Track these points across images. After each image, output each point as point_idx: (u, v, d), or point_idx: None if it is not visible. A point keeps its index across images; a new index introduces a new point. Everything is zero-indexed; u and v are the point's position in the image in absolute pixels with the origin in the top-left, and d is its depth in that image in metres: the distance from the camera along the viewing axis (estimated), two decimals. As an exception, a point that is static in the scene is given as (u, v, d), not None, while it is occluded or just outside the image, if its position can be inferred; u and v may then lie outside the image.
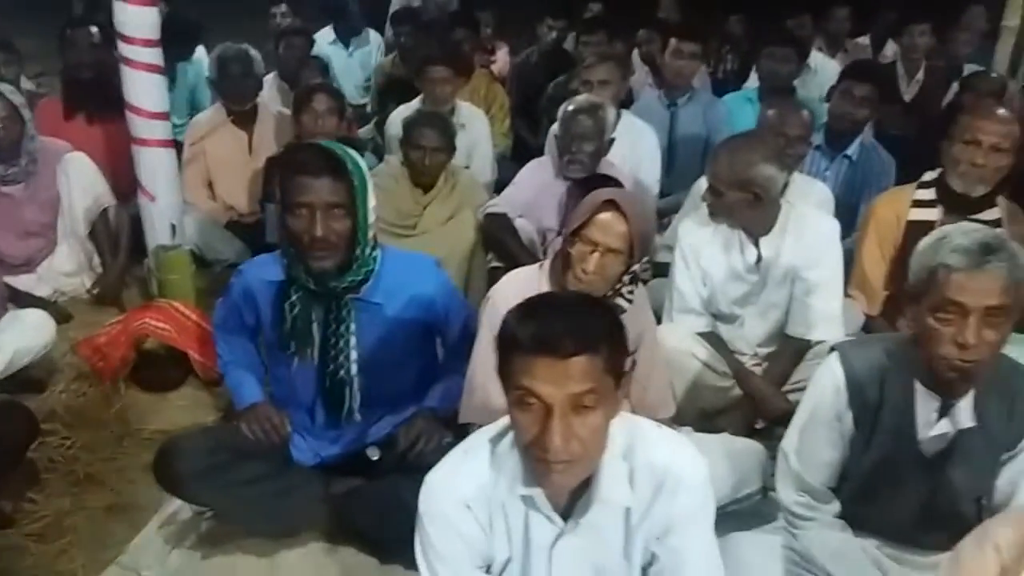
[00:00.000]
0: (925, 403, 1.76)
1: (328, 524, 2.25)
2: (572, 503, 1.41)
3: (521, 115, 5.25)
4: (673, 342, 2.58)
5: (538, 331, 1.25)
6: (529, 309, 1.31)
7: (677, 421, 2.58)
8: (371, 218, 2.06)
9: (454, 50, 4.94)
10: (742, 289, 2.76)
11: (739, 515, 2.17)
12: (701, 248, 2.74)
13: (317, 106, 3.59)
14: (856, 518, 1.88)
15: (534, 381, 1.25)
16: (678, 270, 2.81)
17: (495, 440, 1.43)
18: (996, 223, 2.86)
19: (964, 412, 1.73)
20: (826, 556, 1.82)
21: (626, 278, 2.17)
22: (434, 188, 3.38)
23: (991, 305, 1.59)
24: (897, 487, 1.82)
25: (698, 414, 2.67)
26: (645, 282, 3.28)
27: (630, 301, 2.20)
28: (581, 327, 1.25)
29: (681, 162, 4.22)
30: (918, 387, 1.76)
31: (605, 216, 2.07)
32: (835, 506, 1.88)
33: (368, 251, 2.09)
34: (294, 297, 2.12)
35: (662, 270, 3.26)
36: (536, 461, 1.30)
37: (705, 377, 2.63)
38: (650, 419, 2.19)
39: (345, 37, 5.96)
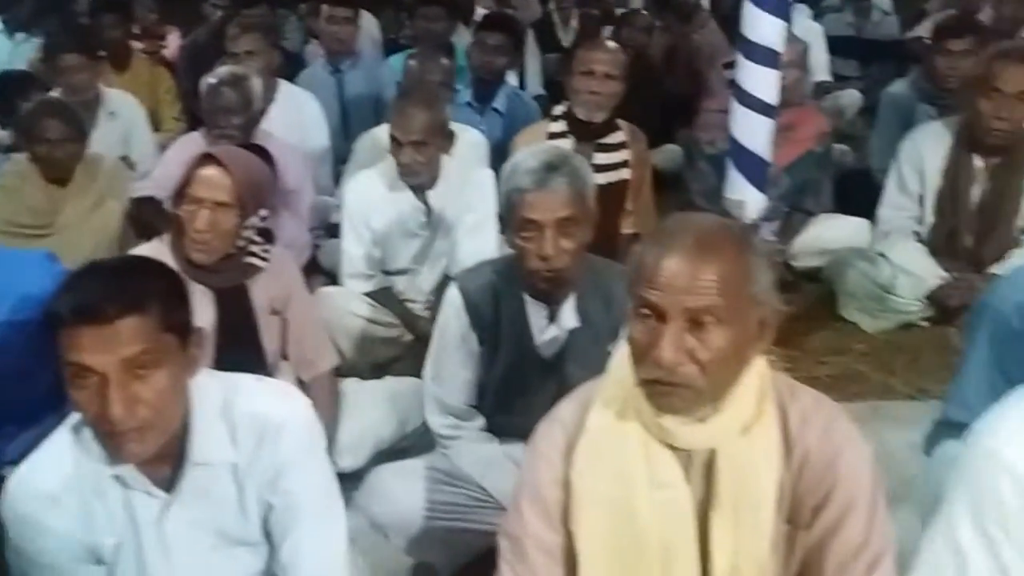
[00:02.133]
0: (535, 312, 1.90)
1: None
2: (176, 473, 1.38)
3: (196, 96, 5.02)
4: (333, 305, 2.62)
5: (76, 300, 1.19)
6: (70, 281, 1.25)
7: (353, 375, 2.61)
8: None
9: (97, 37, 4.61)
10: (416, 245, 2.84)
11: (411, 450, 2.26)
12: (369, 209, 2.78)
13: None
14: (499, 427, 2.00)
15: (82, 354, 1.19)
16: (345, 233, 2.84)
17: (77, 426, 1.36)
18: (622, 145, 3.15)
19: (568, 315, 1.89)
20: (474, 468, 1.92)
21: (253, 235, 2.13)
22: (71, 182, 3.14)
23: (561, 217, 1.74)
24: (527, 392, 1.95)
25: (373, 366, 2.72)
26: (318, 247, 3.29)
27: (266, 259, 2.17)
28: (121, 288, 1.21)
29: (355, 125, 4.23)
30: (527, 299, 1.90)
31: (206, 171, 2.04)
32: (479, 422, 1.99)
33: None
34: None
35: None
36: (107, 437, 1.24)
37: (372, 331, 2.69)
38: (313, 373, 2.28)
39: (12, 28, 5.42)
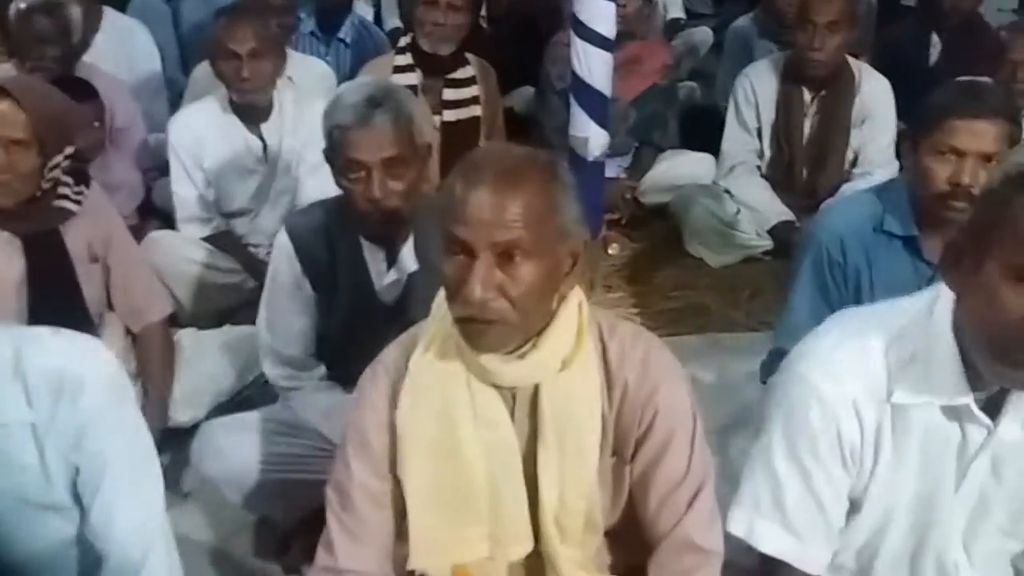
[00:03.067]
0: (373, 256, 1.84)
1: None
2: None
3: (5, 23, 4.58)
4: (165, 251, 2.48)
5: None
6: None
7: (193, 324, 2.49)
8: None
9: None
10: (253, 184, 2.71)
11: (254, 400, 2.18)
12: (199, 146, 2.62)
13: None
14: (342, 376, 1.94)
15: None
16: (174, 174, 2.68)
17: None
18: (471, 80, 3.09)
19: (407, 258, 1.83)
20: (316, 417, 1.86)
21: (61, 175, 1.96)
22: None
23: (387, 157, 1.67)
24: (370, 339, 1.88)
25: (215, 315, 2.60)
26: (152, 188, 3.09)
27: (79, 202, 2.00)
28: None
29: (195, 57, 3.97)
30: (364, 242, 1.83)
31: None
32: (319, 370, 1.93)
33: None
34: None
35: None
36: None
37: (210, 278, 2.58)
38: (143, 323, 2.15)
39: None
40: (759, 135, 3.24)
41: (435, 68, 2.98)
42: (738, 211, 3.20)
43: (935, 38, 3.88)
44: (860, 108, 3.15)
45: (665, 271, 3.18)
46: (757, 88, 3.18)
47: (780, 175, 3.22)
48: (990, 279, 1.10)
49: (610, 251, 3.20)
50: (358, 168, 1.68)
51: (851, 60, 3.14)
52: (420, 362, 1.28)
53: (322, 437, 1.80)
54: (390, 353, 1.35)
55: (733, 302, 3.02)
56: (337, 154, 1.71)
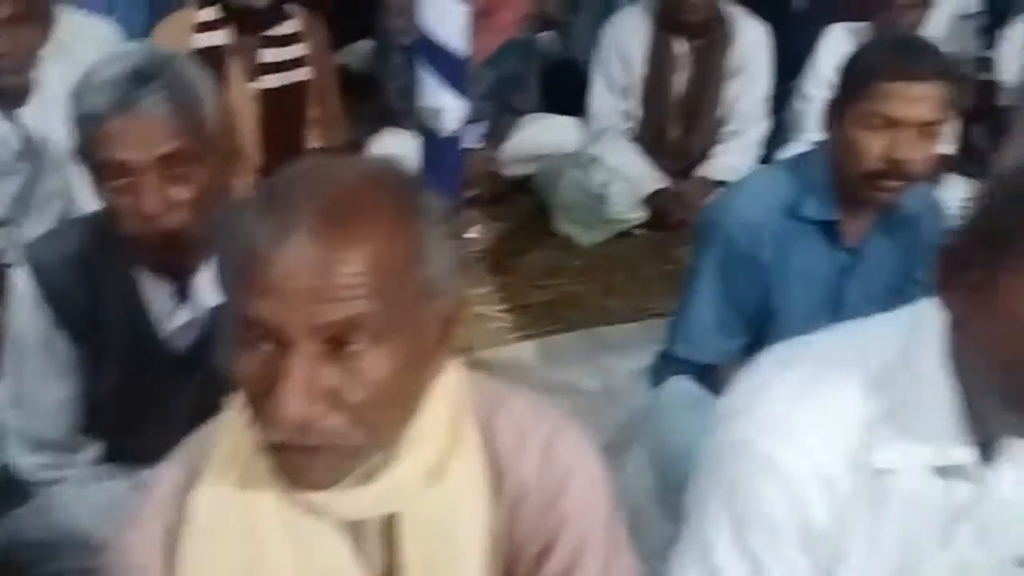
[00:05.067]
0: (155, 290, 1.35)
1: None
2: None
3: None
4: None
5: None
6: None
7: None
8: None
9: None
10: (12, 186, 2.14)
11: None
12: None
13: None
14: (124, 453, 1.44)
15: None
16: None
17: None
18: (295, 37, 2.60)
19: (204, 288, 1.35)
20: (88, 521, 1.36)
21: None
22: None
23: (163, 154, 1.18)
24: (158, 401, 1.41)
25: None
26: None
27: None
28: None
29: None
30: (141, 273, 1.33)
31: None
32: (89, 452, 1.42)
33: None
34: None
35: None
36: None
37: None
38: None
39: None
40: (628, 94, 2.89)
41: (249, 23, 2.48)
42: (610, 181, 2.86)
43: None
44: (735, 59, 2.86)
45: (531, 256, 2.81)
46: (624, 40, 2.83)
47: (650, 137, 2.91)
48: (1011, 298, 0.84)
49: (470, 235, 2.79)
50: (122, 172, 1.19)
51: (726, 5, 2.84)
52: (210, 501, 0.84)
53: (93, 552, 1.31)
54: (162, 483, 0.89)
55: (608, 287, 2.70)
56: (91, 154, 1.21)
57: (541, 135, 3.02)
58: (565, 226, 2.89)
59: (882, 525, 0.99)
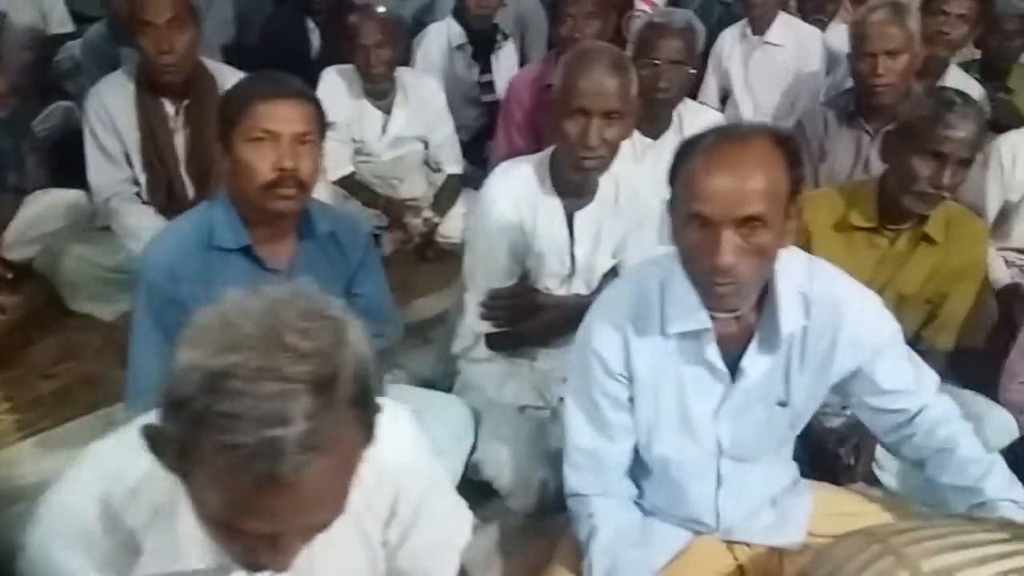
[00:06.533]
0: None
1: None
2: None
3: None
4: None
5: None
6: None
7: None
8: None
9: None
10: None
11: None
12: None
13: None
14: None
15: None
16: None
17: None
18: None
19: None
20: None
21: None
22: None
23: None
24: None
25: None
26: None
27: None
28: None
29: None
30: None
31: None
32: None
33: None
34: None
35: None
36: None
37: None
38: None
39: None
40: (128, 160, 2.74)
41: None
42: (127, 246, 2.69)
43: (311, 23, 3.78)
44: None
45: (43, 343, 2.57)
46: (111, 107, 2.68)
47: (162, 197, 2.77)
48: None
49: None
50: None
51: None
52: None
53: None
54: None
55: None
56: None
57: (41, 212, 2.79)
58: (82, 305, 2.69)
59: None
